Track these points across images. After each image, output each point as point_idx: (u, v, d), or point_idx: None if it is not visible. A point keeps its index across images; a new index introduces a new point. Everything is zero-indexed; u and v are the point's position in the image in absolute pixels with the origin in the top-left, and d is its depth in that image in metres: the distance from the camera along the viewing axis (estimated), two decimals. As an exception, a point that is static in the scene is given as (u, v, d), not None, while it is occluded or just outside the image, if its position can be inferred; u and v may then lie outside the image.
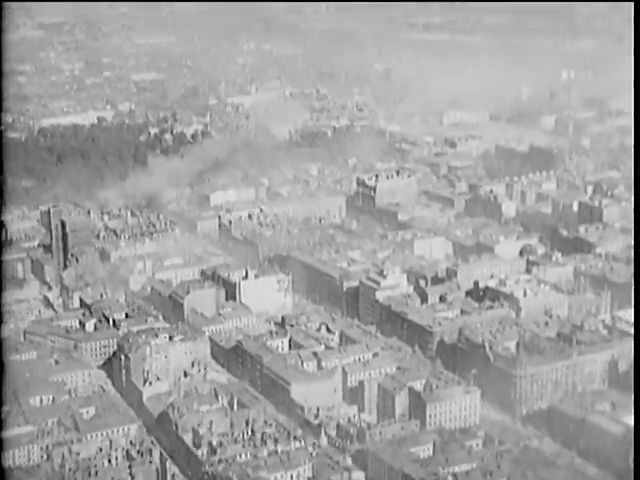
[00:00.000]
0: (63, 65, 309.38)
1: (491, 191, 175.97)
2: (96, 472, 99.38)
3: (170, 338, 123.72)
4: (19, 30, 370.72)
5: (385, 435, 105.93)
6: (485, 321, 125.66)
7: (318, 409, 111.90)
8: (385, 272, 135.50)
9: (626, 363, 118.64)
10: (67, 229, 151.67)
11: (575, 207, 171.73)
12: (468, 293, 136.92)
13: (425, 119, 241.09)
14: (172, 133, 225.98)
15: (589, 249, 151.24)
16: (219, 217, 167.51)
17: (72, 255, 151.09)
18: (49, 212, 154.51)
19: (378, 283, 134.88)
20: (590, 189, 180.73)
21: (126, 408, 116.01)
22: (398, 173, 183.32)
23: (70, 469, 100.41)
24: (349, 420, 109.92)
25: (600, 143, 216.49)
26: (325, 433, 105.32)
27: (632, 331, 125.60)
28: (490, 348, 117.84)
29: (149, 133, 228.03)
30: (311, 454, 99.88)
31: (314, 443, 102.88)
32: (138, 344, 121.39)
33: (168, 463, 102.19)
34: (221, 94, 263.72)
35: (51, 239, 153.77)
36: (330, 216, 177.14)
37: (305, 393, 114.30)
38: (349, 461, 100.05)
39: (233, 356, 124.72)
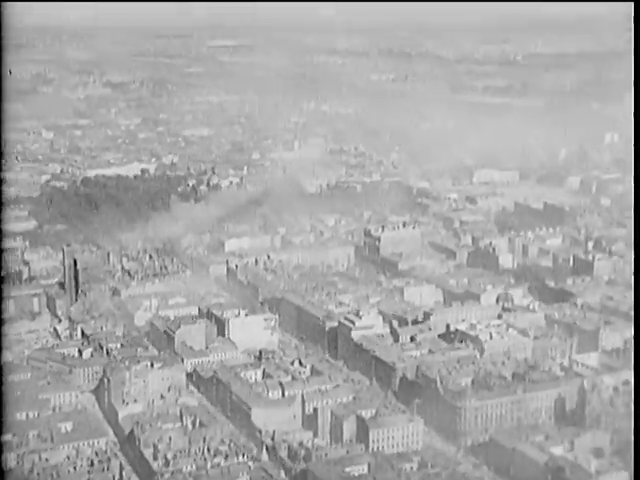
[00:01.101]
0: (121, 120, 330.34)
1: (490, 244, 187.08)
2: (58, 475, 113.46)
3: (151, 365, 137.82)
4: (86, 88, 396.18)
5: (330, 457, 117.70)
6: (447, 360, 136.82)
7: (274, 432, 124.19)
8: (361, 314, 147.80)
9: (573, 402, 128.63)
10: (78, 267, 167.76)
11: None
12: (441, 335, 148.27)
13: (456, 177, 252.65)
14: (208, 185, 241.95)
15: (569, 299, 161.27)
16: (227, 262, 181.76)
17: (82, 291, 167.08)
18: (63, 251, 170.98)
19: (353, 323, 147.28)
20: (591, 245, 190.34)
21: (102, 425, 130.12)
22: (404, 225, 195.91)
23: (38, 473, 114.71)
24: (300, 443, 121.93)
25: (620, 203, 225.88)
26: (267, 451, 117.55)
27: (587, 373, 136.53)
28: (441, 383, 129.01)
29: (187, 184, 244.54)
30: (249, 467, 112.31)
31: (253, 457, 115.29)
32: (119, 369, 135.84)
33: (124, 472, 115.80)
34: (265, 150, 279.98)
35: (64, 276, 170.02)
36: (338, 264, 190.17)
37: (265, 418, 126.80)
38: (282, 474, 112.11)
39: (210, 384, 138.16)
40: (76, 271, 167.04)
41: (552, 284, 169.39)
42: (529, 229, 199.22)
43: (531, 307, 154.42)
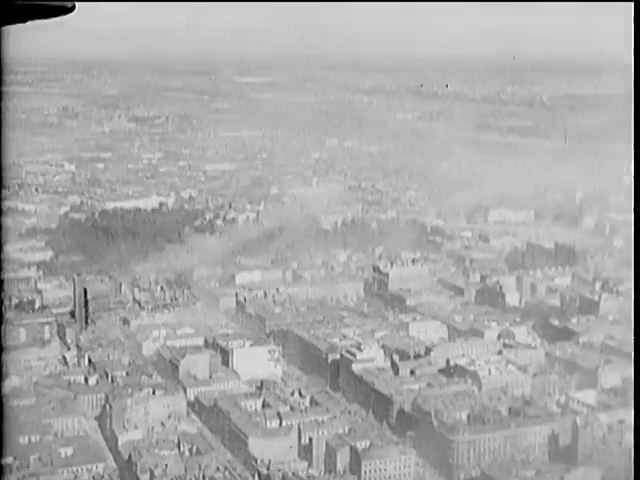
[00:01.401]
0: (143, 154, 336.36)
1: (498, 282, 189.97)
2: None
3: (153, 393, 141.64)
4: (111, 122, 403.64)
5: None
6: (444, 394, 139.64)
7: (270, 461, 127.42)
8: (362, 347, 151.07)
9: (566, 438, 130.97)
10: (88, 296, 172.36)
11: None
12: (441, 370, 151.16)
13: (471, 215, 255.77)
14: (225, 219, 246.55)
15: (572, 337, 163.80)
16: (236, 294, 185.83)
17: (91, 320, 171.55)
18: (74, 280, 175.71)
19: (355, 356, 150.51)
20: (598, 285, 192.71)
21: (103, 451, 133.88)
22: (414, 262, 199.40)
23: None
24: (294, 472, 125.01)
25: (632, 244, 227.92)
26: (260, 479, 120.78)
27: (583, 410, 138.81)
28: (436, 416, 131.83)
29: (204, 218, 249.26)
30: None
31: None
32: (122, 396, 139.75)
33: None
34: (284, 185, 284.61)
35: (74, 305, 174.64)
36: (347, 299, 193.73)
37: (262, 447, 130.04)
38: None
39: (210, 413, 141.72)
40: (86, 300, 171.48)
41: (556, 322, 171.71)
42: (539, 268, 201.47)
43: (532, 344, 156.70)
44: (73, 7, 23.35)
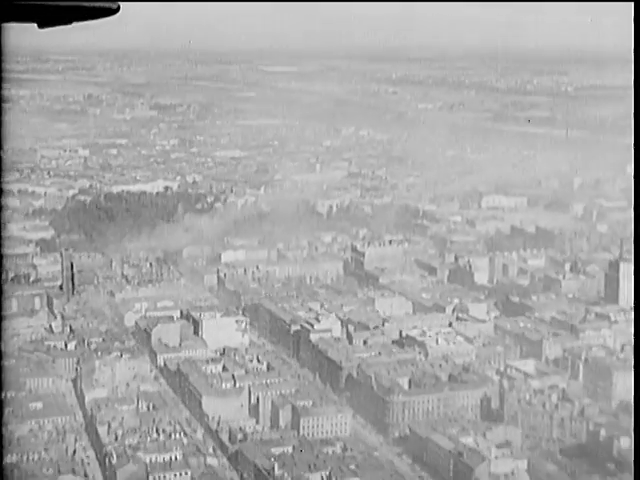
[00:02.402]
0: (158, 141, 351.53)
1: (468, 262, 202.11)
2: (19, 444, 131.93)
3: (121, 356, 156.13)
4: (133, 110, 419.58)
5: (262, 439, 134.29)
6: (390, 361, 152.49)
7: (220, 417, 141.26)
8: (320, 319, 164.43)
9: (497, 401, 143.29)
10: (75, 270, 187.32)
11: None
12: (395, 341, 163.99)
13: (465, 201, 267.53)
14: (224, 202, 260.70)
15: (526, 312, 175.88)
16: (217, 271, 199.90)
17: (77, 292, 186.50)
18: (61, 255, 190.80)
19: (312, 326, 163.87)
20: (568, 266, 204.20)
21: (71, 407, 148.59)
22: (390, 243, 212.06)
23: (2, 444, 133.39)
24: (240, 428, 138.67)
25: (615, 229, 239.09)
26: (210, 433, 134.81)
27: (519, 377, 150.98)
28: (375, 380, 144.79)
29: (206, 201, 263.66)
30: (183, 443, 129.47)
31: (188, 434, 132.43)
32: (91, 359, 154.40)
33: (79, 444, 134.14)
34: (288, 171, 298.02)
35: (63, 278, 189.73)
36: (327, 277, 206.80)
37: (214, 406, 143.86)
38: (210, 450, 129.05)
39: (175, 376, 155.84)
40: (72, 274, 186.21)
41: (516, 299, 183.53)
42: (515, 250, 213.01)
43: (483, 318, 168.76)
44: (118, 8, 22.54)
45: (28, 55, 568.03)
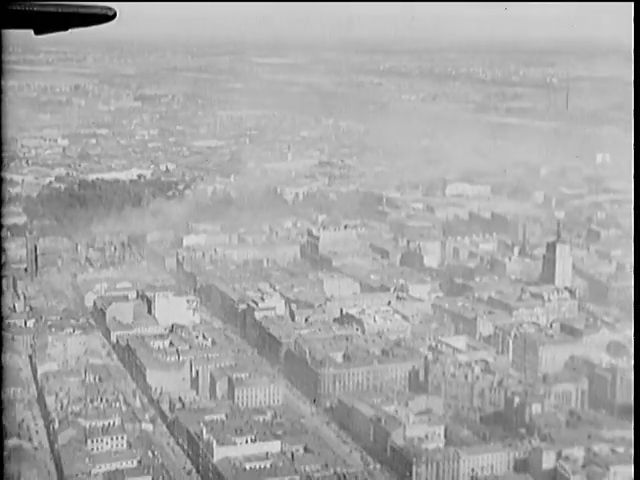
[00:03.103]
0: (139, 131, 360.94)
1: (418, 246, 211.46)
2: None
3: (74, 331, 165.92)
4: (118, 101, 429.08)
5: (197, 408, 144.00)
6: (326, 337, 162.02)
7: (162, 389, 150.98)
8: (263, 297, 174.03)
9: (424, 374, 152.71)
10: (37, 252, 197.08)
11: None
12: (336, 319, 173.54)
13: (430, 189, 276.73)
14: (194, 190, 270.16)
15: (466, 292, 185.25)
16: (177, 254, 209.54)
17: (40, 274, 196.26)
18: (26, 238, 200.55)
19: (257, 304, 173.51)
20: (517, 250, 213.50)
21: (25, 380, 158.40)
22: (346, 227, 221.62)
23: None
24: (180, 398, 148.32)
25: (572, 215, 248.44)
26: (143, 401, 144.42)
27: (449, 352, 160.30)
28: (309, 354, 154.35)
29: (177, 189, 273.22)
30: (122, 410, 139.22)
31: (128, 403, 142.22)
32: (45, 335, 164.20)
33: (28, 412, 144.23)
34: (261, 160, 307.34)
35: (27, 261, 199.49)
36: (285, 260, 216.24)
37: (158, 378, 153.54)
38: (147, 417, 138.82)
39: (124, 350, 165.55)
40: (36, 256, 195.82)
41: (460, 281, 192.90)
42: (467, 235, 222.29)
43: (420, 297, 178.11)
44: (115, 14, 22.32)
45: (20, 46, 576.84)
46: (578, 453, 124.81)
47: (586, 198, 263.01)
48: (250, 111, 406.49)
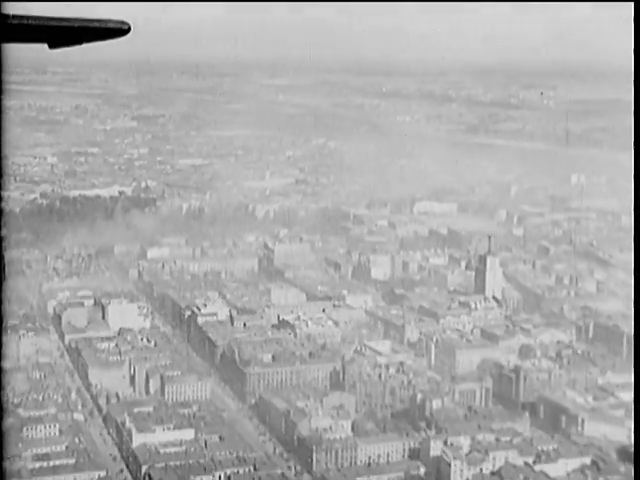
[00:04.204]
0: (129, 150, 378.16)
1: (367, 259, 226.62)
2: None
3: (27, 333, 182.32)
4: (115, 121, 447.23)
5: (129, 401, 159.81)
6: (258, 340, 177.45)
7: (101, 384, 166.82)
8: (206, 303, 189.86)
9: (345, 374, 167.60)
10: (4, 262, 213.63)
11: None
12: (274, 325, 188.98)
13: (398, 206, 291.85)
14: (170, 206, 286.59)
15: (400, 302, 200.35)
16: (138, 264, 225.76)
17: (7, 281, 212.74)
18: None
19: (200, 310, 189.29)
20: (464, 263, 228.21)
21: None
22: (301, 240, 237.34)
23: None
24: (115, 394, 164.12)
25: (531, 232, 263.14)
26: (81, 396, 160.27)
27: (372, 354, 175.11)
28: (238, 354, 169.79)
29: (154, 205, 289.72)
30: (58, 403, 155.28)
31: (65, 396, 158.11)
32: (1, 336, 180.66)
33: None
34: (240, 179, 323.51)
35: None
36: (243, 272, 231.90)
37: (99, 376, 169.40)
38: (79, 408, 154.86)
39: (74, 351, 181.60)
40: (2, 265, 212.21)
41: (400, 291, 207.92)
42: (419, 250, 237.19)
43: (355, 306, 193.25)
44: (129, 29, 21.83)
45: (28, 67, 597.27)
46: (464, 441, 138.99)
47: (546, 216, 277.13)
48: (241, 131, 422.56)
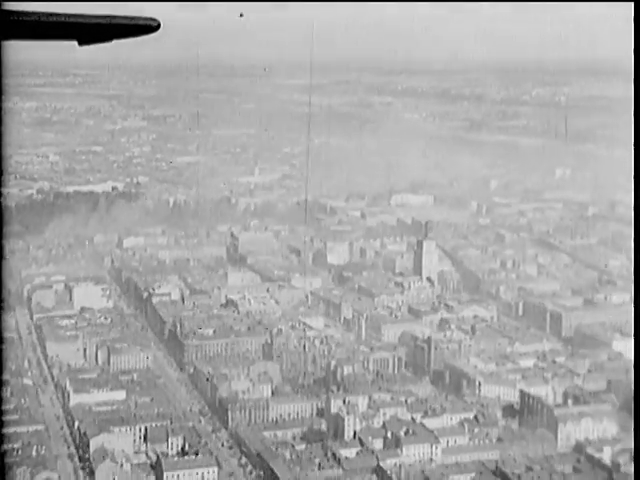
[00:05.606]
0: (132, 149, 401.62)
1: (324, 245, 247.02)
2: None
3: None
4: (125, 121, 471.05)
5: (78, 369, 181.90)
6: (201, 317, 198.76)
7: (57, 357, 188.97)
8: (159, 286, 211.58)
9: (273, 345, 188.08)
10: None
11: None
12: (222, 304, 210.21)
13: (375, 199, 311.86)
14: (158, 200, 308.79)
15: (347, 283, 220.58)
16: (111, 252, 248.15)
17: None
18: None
19: (154, 290, 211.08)
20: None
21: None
22: (266, 229, 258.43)
23: None
24: (68, 364, 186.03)
25: (496, 222, 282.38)
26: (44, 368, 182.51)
27: (304, 328, 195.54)
28: (180, 329, 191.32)
29: (145, 199, 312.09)
30: (12, 370, 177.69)
31: (20, 365, 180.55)
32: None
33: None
34: (231, 175, 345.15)
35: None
36: (211, 259, 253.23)
37: (56, 349, 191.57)
38: (29, 375, 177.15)
39: (39, 328, 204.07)
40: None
41: (349, 274, 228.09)
42: (379, 238, 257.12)
43: (299, 287, 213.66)
44: (158, 25, 21.98)
45: (50, 69, 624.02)
46: (362, 401, 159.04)
47: (514, 207, 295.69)
48: (245, 130, 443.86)
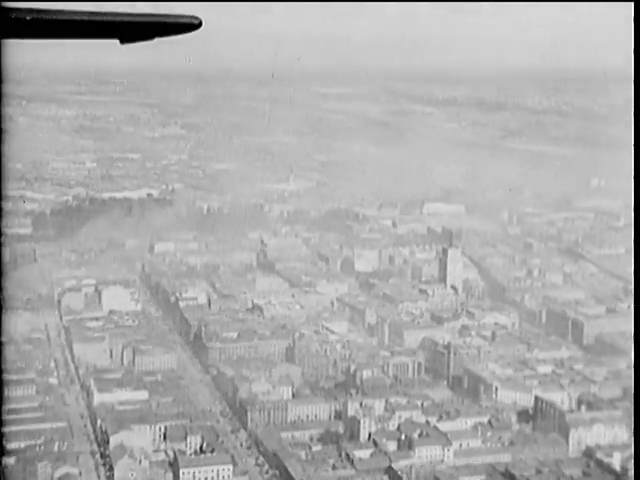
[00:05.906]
0: (169, 156, 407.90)
1: (352, 253, 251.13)
2: None
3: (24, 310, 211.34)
4: (165, 128, 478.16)
5: (100, 369, 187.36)
6: (227, 321, 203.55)
7: (84, 357, 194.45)
8: (186, 290, 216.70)
9: (295, 349, 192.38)
10: (17, 254, 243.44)
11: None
12: (249, 308, 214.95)
13: (408, 207, 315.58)
14: (192, 206, 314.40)
15: (371, 290, 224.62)
16: (141, 258, 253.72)
17: (18, 270, 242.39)
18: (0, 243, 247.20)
19: (181, 295, 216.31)
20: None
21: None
22: (296, 236, 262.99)
23: None
24: (95, 365, 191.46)
25: (527, 231, 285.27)
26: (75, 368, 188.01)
27: (328, 334, 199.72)
28: (205, 333, 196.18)
29: (175, 206, 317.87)
30: (38, 369, 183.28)
31: (47, 365, 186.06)
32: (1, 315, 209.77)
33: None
34: (265, 182, 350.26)
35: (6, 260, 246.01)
36: (241, 265, 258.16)
37: (82, 349, 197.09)
38: (55, 375, 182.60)
39: (67, 330, 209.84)
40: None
41: (375, 281, 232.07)
42: (408, 246, 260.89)
43: (324, 293, 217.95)
44: (200, 23, 21.85)
45: (91, 77, 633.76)
46: (378, 404, 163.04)
47: (544, 216, 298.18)
48: (280, 137, 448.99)
